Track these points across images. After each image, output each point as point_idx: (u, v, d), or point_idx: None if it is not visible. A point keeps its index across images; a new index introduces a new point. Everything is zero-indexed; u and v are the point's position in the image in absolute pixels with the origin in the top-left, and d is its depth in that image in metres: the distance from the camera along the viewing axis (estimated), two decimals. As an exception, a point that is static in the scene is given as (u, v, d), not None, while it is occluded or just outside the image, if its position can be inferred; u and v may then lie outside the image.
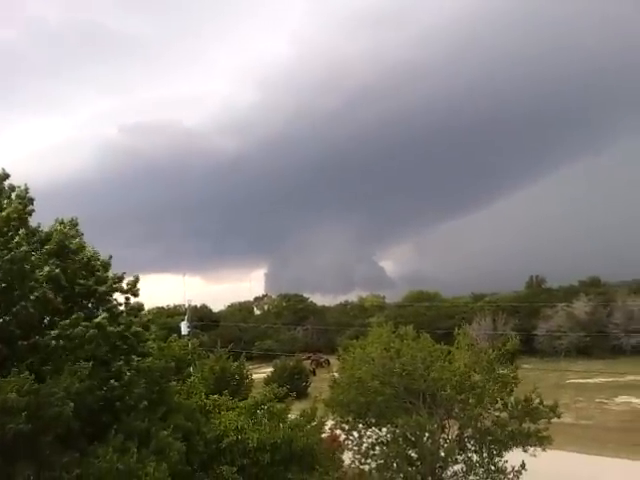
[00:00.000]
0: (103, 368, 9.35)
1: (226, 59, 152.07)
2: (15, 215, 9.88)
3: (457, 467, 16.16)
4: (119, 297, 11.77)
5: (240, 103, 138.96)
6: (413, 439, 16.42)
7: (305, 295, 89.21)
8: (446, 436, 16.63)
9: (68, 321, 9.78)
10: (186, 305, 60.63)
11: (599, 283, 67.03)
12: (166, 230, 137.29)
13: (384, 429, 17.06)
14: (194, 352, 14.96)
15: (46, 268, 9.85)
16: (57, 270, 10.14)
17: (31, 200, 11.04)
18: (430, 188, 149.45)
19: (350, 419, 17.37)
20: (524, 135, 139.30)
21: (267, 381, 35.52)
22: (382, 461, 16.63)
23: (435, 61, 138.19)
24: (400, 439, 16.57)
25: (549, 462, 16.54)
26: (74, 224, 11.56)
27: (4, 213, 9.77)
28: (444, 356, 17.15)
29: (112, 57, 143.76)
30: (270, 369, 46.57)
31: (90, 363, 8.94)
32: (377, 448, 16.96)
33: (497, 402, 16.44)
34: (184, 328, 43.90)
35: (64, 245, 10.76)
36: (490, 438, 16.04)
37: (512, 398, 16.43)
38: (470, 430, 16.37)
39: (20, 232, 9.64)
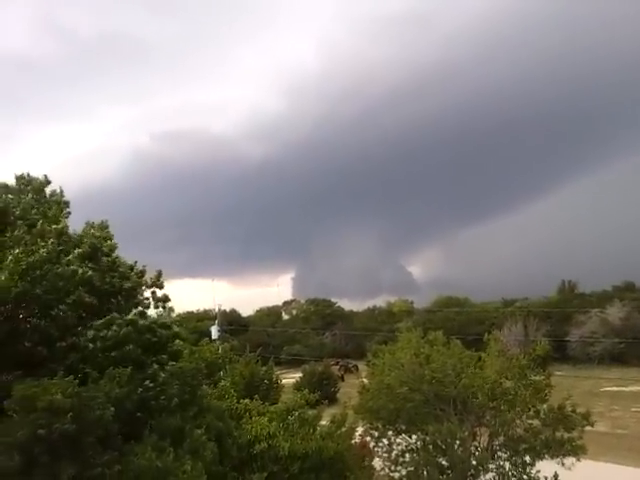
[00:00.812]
0: (138, 371, 9.56)
1: (253, 65, 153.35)
2: (62, 228, 10.28)
3: (489, 476, 15.95)
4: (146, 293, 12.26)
5: (267, 109, 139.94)
6: (444, 447, 16.28)
7: (332, 299, 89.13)
8: (477, 444, 16.46)
9: (102, 321, 10.08)
10: (216, 309, 61.33)
11: (634, 288, 65.31)
12: (194, 235, 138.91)
13: (414, 436, 16.96)
14: (225, 356, 15.13)
15: (80, 271, 10.17)
16: (90, 272, 10.47)
17: (66, 203, 11.49)
18: (457, 191, 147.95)
19: (380, 426, 17.33)
20: (555, 136, 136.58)
21: (296, 386, 35.62)
22: (412, 468, 16.54)
23: (462, 62, 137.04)
24: (430, 446, 16.45)
25: (582, 472, 16.17)
26: (104, 226, 12.02)
27: (59, 226, 10.16)
28: (475, 362, 17.00)
29: (141, 65, 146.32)
30: (298, 374, 46.67)
31: (129, 369, 9.16)
32: (407, 455, 16.88)
33: (529, 409, 16.21)
34: (214, 332, 44.39)
35: (97, 248, 11.14)
36: (523, 446, 15.82)
37: (545, 405, 16.18)
38: (502, 438, 16.18)
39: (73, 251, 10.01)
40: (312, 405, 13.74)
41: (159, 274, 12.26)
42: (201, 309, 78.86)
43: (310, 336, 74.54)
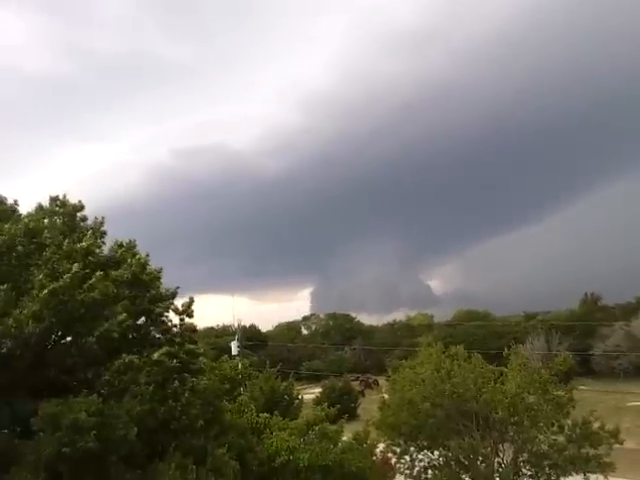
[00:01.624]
0: (160, 390, 9.58)
1: (269, 82, 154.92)
2: (89, 247, 10.14)
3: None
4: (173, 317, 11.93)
5: (284, 124, 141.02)
6: (466, 463, 16.12)
7: (351, 314, 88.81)
8: (500, 460, 16.23)
9: (127, 362, 9.74)
10: (235, 325, 61.35)
11: (659, 299, 64.10)
12: (212, 250, 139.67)
13: (436, 452, 16.80)
14: (245, 372, 15.14)
15: (120, 317, 9.83)
16: (129, 319, 10.14)
17: (103, 233, 11.35)
18: (475, 204, 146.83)
19: (401, 442, 17.19)
20: (576, 146, 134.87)
21: (316, 402, 35.44)
22: (435, 485, 16.37)
23: (478, 76, 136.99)
24: (453, 463, 16.29)
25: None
26: (132, 246, 11.47)
27: (84, 244, 10.01)
28: (496, 377, 16.82)
29: (159, 83, 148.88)
30: (318, 390, 46.42)
31: (151, 387, 9.19)
32: (429, 472, 16.72)
33: (553, 425, 15.97)
34: (234, 348, 44.31)
35: (139, 278, 10.74)
36: (547, 462, 15.57)
37: (569, 420, 15.93)
38: (526, 454, 15.94)
39: (96, 274, 9.77)
40: (332, 420, 13.72)
41: (191, 301, 11.61)
42: (219, 325, 79.22)
43: (329, 351, 74.25)
